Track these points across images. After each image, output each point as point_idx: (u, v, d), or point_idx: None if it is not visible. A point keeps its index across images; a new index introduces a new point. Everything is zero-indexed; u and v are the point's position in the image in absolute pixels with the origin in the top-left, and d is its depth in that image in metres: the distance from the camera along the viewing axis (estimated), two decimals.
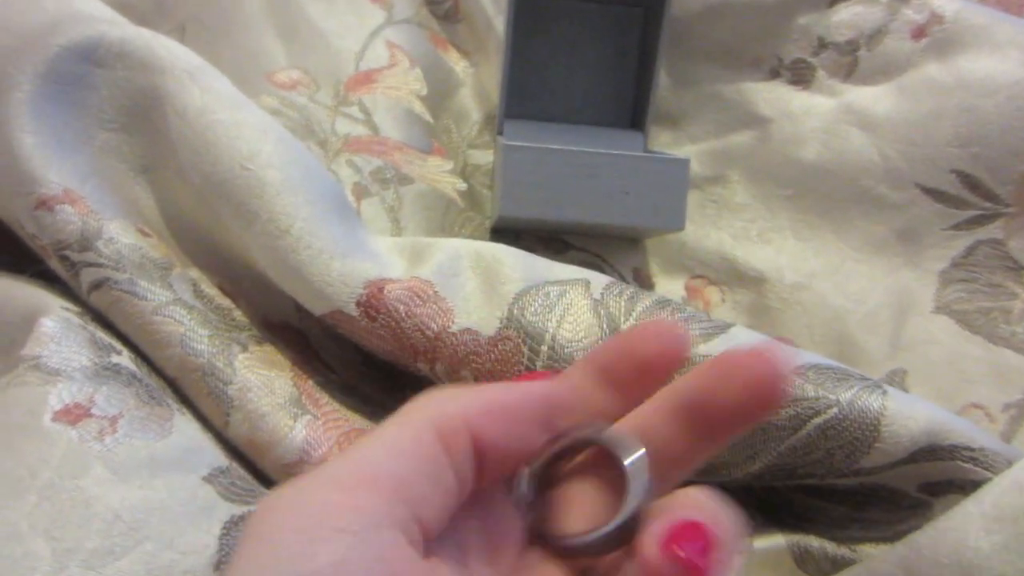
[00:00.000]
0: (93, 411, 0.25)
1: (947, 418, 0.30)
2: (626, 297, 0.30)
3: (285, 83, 0.46)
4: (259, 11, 0.50)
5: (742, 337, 0.30)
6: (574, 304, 0.29)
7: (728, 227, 0.45)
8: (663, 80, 0.51)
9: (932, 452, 0.30)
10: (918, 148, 0.42)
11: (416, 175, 0.45)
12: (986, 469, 0.29)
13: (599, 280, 0.31)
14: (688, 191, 0.40)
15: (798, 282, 0.43)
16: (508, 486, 0.20)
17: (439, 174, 0.46)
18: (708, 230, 0.45)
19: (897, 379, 0.40)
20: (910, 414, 0.30)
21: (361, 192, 0.42)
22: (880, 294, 0.42)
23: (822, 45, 0.48)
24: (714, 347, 0.30)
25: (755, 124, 0.48)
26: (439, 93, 0.51)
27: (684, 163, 0.39)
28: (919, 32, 0.46)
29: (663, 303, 0.30)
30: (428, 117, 0.48)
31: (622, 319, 0.29)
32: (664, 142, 0.50)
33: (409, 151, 0.45)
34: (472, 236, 0.46)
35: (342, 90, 0.46)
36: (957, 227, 0.41)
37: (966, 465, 0.30)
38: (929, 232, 0.42)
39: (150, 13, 0.51)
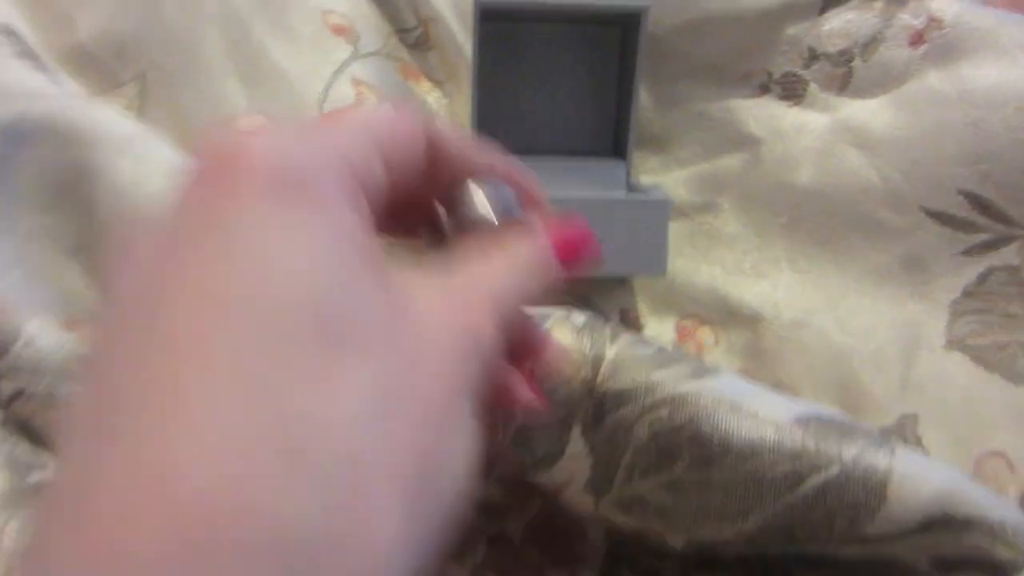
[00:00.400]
0: (3, 542, 0.23)
1: (963, 484, 0.27)
2: (609, 329, 0.29)
3: None
4: (221, 55, 0.47)
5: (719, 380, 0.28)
6: (555, 329, 0.28)
7: (719, 260, 0.42)
8: (646, 102, 0.47)
9: (946, 523, 0.27)
10: (921, 167, 0.39)
11: None
12: (1008, 546, 0.26)
13: (579, 317, 0.30)
14: (668, 234, 0.37)
15: (796, 319, 0.39)
16: None
17: None
18: (698, 264, 0.42)
19: (909, 424, 0.36)
20: (921, 477, 0.28)
21: None
22: (886, 329, 0.39)
23: (813, 56, 0.45)
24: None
25: (745, 145, 0.44)
26: None
27: (664, 205, 0.36)
28: (917, 38, 0.42)
29: (642, 342, 0.29)
30: None
31: (607, 344, 0.28)
32: (651, 167, 0.47)
33: None
34: None
35: None
36: (968, 253, 0.38)
37: (984, 542, 0.27)
38: (937, 259, 0.39)
39: (111, 61, 0.49)
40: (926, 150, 0.39)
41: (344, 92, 0.46)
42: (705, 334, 0.41)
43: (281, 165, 0.16)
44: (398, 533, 0.15)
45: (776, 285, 0.41)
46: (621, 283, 0.43)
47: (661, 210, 0.36)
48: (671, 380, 0.29)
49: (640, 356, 0.29)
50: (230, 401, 0.13)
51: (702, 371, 0.30)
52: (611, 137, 0.46)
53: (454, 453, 0.17)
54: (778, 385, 0.39)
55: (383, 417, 0.15)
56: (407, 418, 0.16)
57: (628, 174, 0.43)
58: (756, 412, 0.29)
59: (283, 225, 0.15)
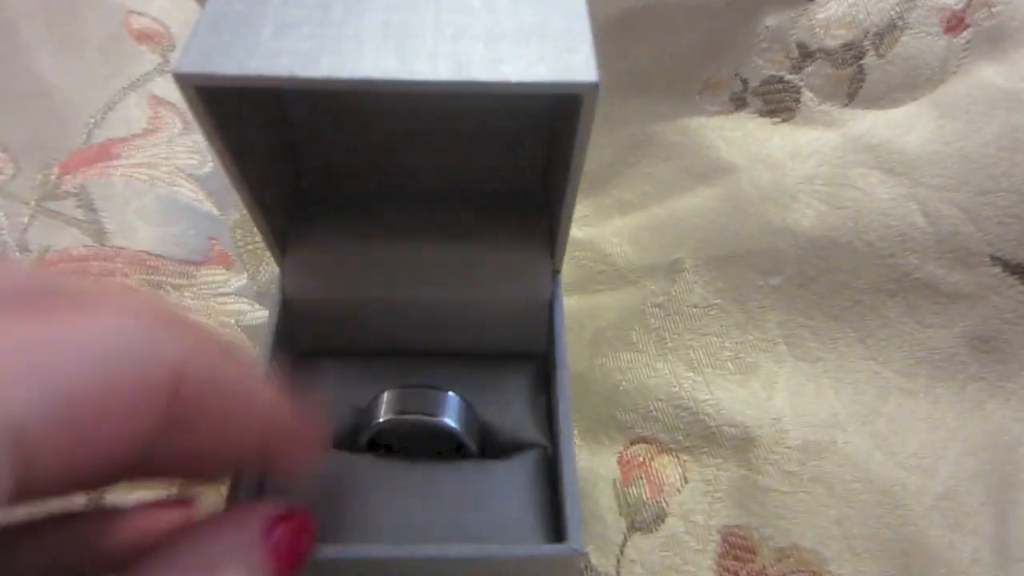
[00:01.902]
0: None
1: None
2: None
3: None
4: None
5: None
6: None
7: (684, 349, 0.27)
8: None
9: None
10: (988, 197, 0.25)
11: None
12: None
13: None
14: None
15: (811, 440, 0.24)
16: None
17: (213, 299, 0.28)
18: (653, 359, 0.27)
19: None
20: None
21: None
22: (958, 452, 0.24)
23: (806, 55, 0.31)
24: None
25: (715, 176, 0.31)
26: None
27: (575, 558, 0.21)
28: (955, 23, 0.30)
29: None
30: (209, 206, 0.31)
31: None
32: (582, 215, 0.33)
33: (161, 265, 0.28)
34: None
35: (54, 174, 0.29)
36: None
37: None
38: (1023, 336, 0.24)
39: None
40: (993, 171, 0.25)
41: (131, 115, 0.32)
42: (666, 468, 0.26)
43: None
44: None
45: (772, 383, 0.26)
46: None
47: (571, 562, 0.21)
48: None
49: None
50: None
51: None
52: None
53: None
54: (791, 555, 0.23)
55: None
56: None
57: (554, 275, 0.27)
58: None
59: None
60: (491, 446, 0.24)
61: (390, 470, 0.23)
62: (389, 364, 0.26)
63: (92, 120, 0.31)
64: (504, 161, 0.26)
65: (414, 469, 0.23)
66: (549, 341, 0.26)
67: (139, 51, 0.34)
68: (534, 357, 0.26)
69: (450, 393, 0.23)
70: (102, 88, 0.32)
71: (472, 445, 0.23)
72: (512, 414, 0.25)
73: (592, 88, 0.17)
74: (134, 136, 0.31)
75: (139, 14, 0.35)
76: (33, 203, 0.28)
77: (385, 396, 0.23)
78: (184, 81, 0.16)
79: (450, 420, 0.22)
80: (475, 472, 0.23)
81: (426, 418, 0.22)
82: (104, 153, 0.30)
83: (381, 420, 0.22)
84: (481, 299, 0.25)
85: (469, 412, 0.23)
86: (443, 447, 0.23)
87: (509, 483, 0.23)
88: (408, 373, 0.26)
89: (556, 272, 0.25)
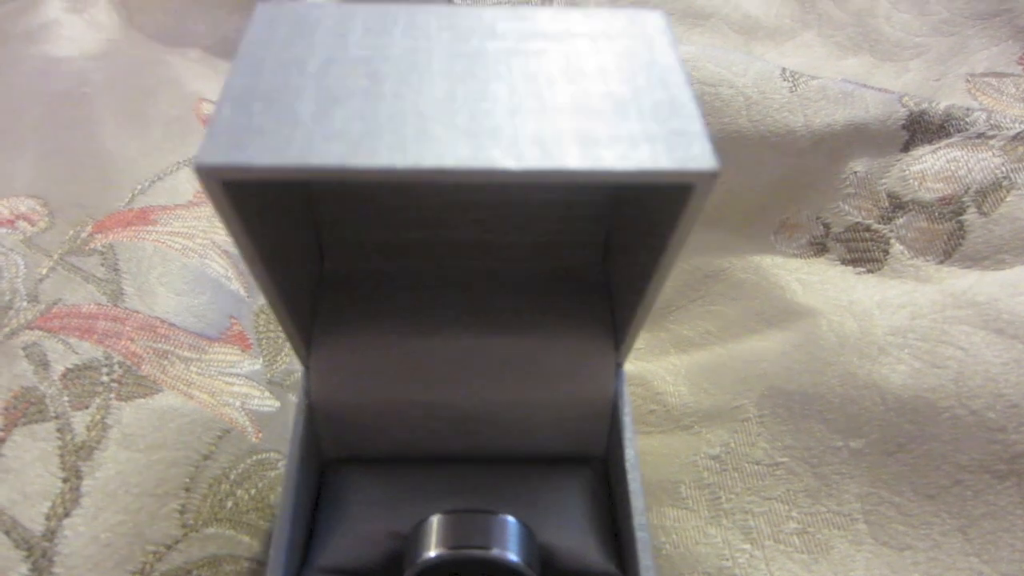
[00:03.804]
0: None
1: None
2: None
3: (1, 217, 0.29)
4: (32, 125, 0.33)
5: None
6: None
7: (742, 513, 0.23)
8: None
9: None
10: None
11: (167, 379, 0.25)
12: None
13: None
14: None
15: None
16: None
17: (220, 378, 0.26)
18: (704, 521, 0.23)
19: None
20: None
21: (19, 413, 0.22)
22: None
23: (897, 205, 0.29)
24: None
25: (789, 319, 0.27)
26: None
27: None
28: None
29: None
30: (237, 285, 0.29)
31: None
32: (635, 349, 0.30)
33: (172, 334, 0.26)
34: (261, 502, 0.24)
35: (86, 232, 0.28)
36: None
37: None
38: None
39: None
40: None
41: (181, 187, 0.31)
42: None
43: None
44: None
45: (848, 572, 0.21)
46: None
47: None
48: None
49: None
50: None
51: None
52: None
53: None
54: None
55: None
56: None
57: (617, 369, 0.23)
58: None
59: None
60: (550, 571, 0.21)
61: None
62: (427, 474, 0.23)
63: (139, 187, 0.30)
64: (557, 236, 0.23)
65: None
66: (611, 444, 0.22)
67: (203, 133, 0.34)
68: (589, 460, 0.23)
69: (509, 518, 0.20)
70: (157, 160, 0.31)
71: None
72: (573, 534, 0.21)
73: (709, 177, 0.14)
74: (177, 206, 0.30)
75: (211, 102, 0.35)
76: (56, 256, 0.27)
77: (433, 524, 0.20)
78: (208, 174, 0.13)
79: (512, 554, 0.19)
80: None
81: (485, 553, 0.19)
82: (142, 218, 0.29)
83: (432, 555, 0.19)
84: (533, 398, 0.22)
85: (530, 539, 0.20)
86: None
87: None
88: (449, 484, 0.22)
89: (619, 365, 0.22)
